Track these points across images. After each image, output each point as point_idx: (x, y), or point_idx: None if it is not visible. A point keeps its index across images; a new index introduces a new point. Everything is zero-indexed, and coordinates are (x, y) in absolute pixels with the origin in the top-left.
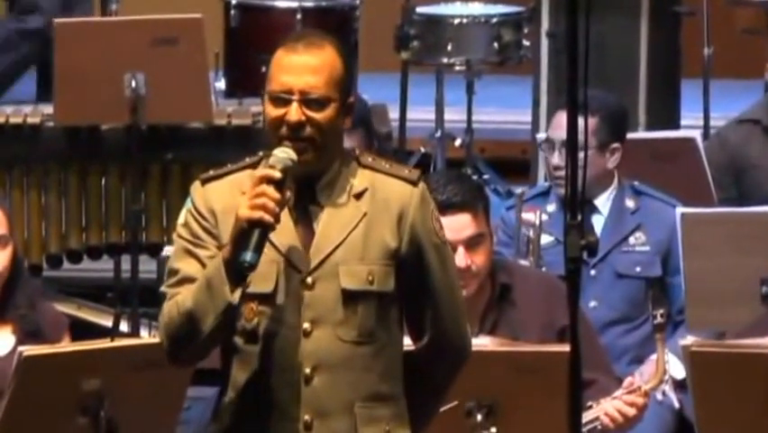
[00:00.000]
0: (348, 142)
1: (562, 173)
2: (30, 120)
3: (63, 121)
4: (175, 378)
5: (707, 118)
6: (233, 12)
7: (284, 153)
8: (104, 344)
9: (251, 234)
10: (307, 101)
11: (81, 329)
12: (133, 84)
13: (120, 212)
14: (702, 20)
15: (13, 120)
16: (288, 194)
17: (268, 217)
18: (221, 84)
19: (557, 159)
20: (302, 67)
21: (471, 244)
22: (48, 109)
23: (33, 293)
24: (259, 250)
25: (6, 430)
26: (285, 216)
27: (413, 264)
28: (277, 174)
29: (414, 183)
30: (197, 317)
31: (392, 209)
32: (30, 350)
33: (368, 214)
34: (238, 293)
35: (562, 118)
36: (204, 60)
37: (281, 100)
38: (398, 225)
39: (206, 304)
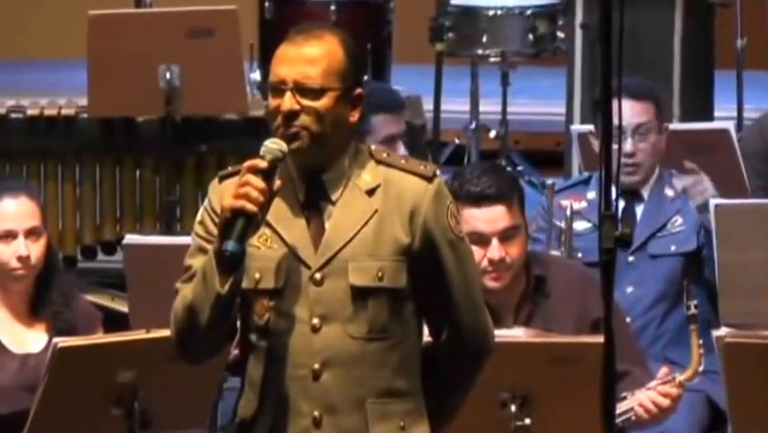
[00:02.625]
0: (395, 127)
1: (632, 160)
2: (64, 112)
3: (98, 113)
4: (208, 370)
5: (740, 110)
6: (267, 3)
7: (274, 144)
8: (138, 335)
9: (234, 223)
10: (302, 90)
11: (115, 321)
12: (168, 76)
13: (154, 203)
14: (736, 11)
15: (47, 112)
16: (278, 183)
17: (250, 206)
18: (256, 75)
19: (630, 146)
20: (298, 58)
21: (506, 236)
22: (83, 101)
23: (67, 288)
24: (241, 240)
25: (40, 421)
26: (295, 212)
27: (426, 261)
28: (263, 164)
29: (428, 179)
30: (196, 309)
31: (405, 205)
32: (64, 341)
33: (379, 210)
34: (229, 285)
35: (625, 106)
36: (239, 52)
37: (278, 90)
38: (411, 221)
39: (203, 296)
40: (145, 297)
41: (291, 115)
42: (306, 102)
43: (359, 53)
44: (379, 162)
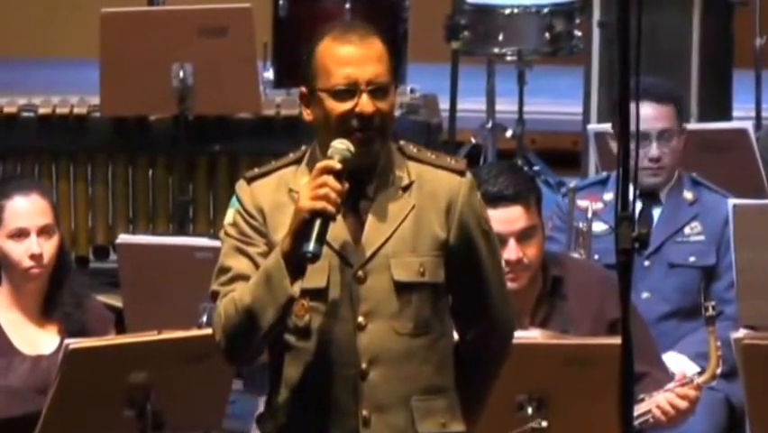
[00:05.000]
0: None
1: (657, 165)
2: (76, 111)
3: (110, 112)
4: (221, 371)
5: (759, 109)
6: (281, 1)
7: (342, 145)
8: (150, 336)
9: (312, 224)
10: (373, 91)
11: None
12: (181, 74)
13: (167, 203)
14: (755, 10)
15: (59, 111)
16: (346, 185)
17: (330, 207)
18: (269, 74)
19: (655, 151)
20: (363, 57)
21: (523, 236)
22: (95, 100)
23: (79, 289)
24: (321, 240)
25: (52, 423)
26: None
27: (463, 254)
28: (337, 165)
29: (461, 173)
30: (256, 312)
31: (440, 200)
32: (76, 343)
33: (416, 206)
34: (298, 286)
35: (648, 110)
36: (252, 51)
37: (347, 93)
38: (447, 215)
39: (266, 299)
40: (139, 297)
41: (369, 118)
42: (377, 102)
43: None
44: (409, 158)
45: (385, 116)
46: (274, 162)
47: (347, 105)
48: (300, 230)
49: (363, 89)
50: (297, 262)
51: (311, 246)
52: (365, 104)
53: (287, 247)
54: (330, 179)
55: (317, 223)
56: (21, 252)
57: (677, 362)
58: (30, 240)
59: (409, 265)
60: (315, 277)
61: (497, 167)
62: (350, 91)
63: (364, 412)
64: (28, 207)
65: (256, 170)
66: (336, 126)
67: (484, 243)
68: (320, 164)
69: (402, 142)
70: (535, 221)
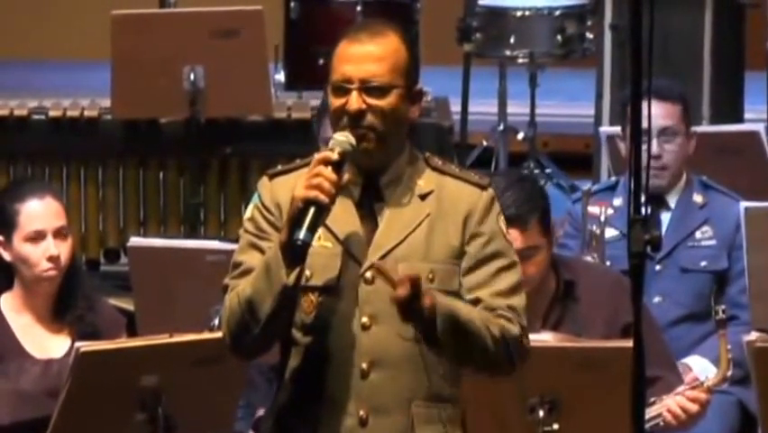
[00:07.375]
0: None
1: (658, 163)
2: (87, 113)
3: (121, 114)
4: (233, 374)
5: None
6: (292, 4)
7: (343, 137)
8: (162, 339)
9: (305, 213)
10: (368, 89)
11: None
12: (192, 77)
13: (178, 206)
14: (766, 12)
15: (70, 113)
16: (347, 177)
17: (323, 196)
18: (280, 77)
19: (655, 148)
20: (364, 56)
21: (520, 257)
22: (106, 102)
23: (90, 292)
24: (313, 229)
25: (63, 426)
26: (349, 211)
27: (468, 266)
28: (334, 156)
29: (483, 188)
30: (256, 303)
31: (459, 210)
32: (87, 346)
33: (432, 215)
34: (294, 276)
35: (655, 108)
36: (264, 53)
37: (342, 90)
38: (464, 226)
39: (264, 289)
40: (150, 300)
41: (358, 115)
42: (371, 101)
43: (417, 50)
44: (433, 169)
45: (380, 115)
46: (298, 161)
47: (341, 102)
48: (294, 219)
49: (354, 87)
50: (292, 252)
51: (302, 234)
52: (352, 101)
53: (283, 237)
54: (325, 170)
55: (310, 211)
56: (39, 254)
57: (700, 366)
58: (47, 242)
59: (418, 271)
60: (325, 274)
61: (505, 180)
62: (345, 88)
63: (362, 412)
64: (44, 210)
65: (279, 167)
66: (332, 122)
67: (492, 261)
68: (318, 155)
69: (428, 154)
70: (535, 241)
